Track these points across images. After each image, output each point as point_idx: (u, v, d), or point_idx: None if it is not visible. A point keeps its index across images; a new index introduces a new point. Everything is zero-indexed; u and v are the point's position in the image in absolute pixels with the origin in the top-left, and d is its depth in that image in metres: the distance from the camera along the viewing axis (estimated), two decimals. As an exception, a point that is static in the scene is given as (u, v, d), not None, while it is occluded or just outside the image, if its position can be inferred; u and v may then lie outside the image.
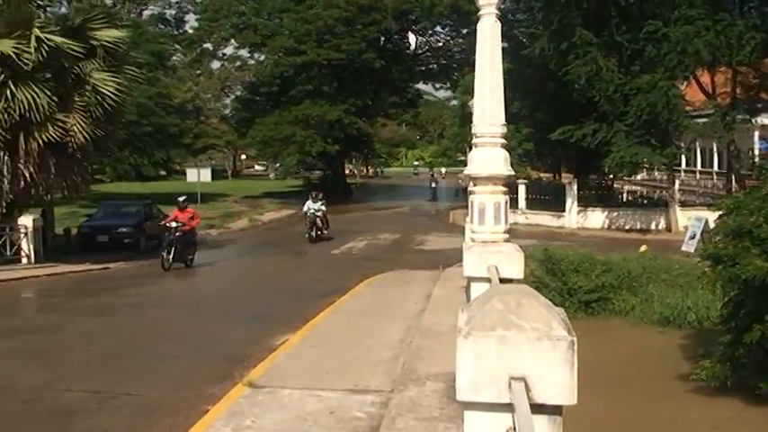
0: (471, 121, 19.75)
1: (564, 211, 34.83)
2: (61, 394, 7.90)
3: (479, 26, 6.25)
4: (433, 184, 61.51)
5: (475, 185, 6.49)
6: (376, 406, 6.98)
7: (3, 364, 9.36)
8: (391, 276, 18.38)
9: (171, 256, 21.01)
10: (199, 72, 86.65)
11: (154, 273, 21.03)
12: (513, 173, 6.42)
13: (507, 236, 6.29)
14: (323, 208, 29.68)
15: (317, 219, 29.35)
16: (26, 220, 22.35)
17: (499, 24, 6.24)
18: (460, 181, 61.41)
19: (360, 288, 15.86)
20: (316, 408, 6.96)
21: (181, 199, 22.53)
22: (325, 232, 29.77)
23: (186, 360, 9.53)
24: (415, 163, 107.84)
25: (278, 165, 76.38)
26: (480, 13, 6.31)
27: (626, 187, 42.20)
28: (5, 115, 20.60)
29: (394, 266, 20.30)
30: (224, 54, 77.71)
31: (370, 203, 54.38)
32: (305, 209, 29.82)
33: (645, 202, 37.49)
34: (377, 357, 9.01)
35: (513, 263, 5.95)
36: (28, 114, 20.51)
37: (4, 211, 21.74)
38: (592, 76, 29.78)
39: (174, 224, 21.49)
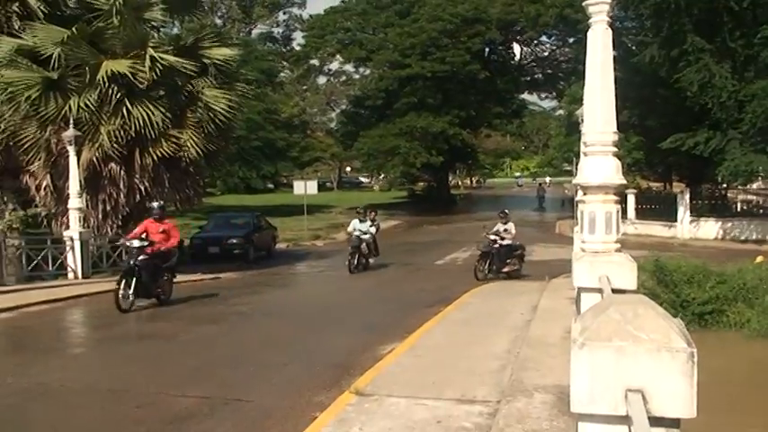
0: (578, 131, 19.27)
1: (675, 221, 33.93)
2: (174, 399, 8.09)
3: (590, 34, 6.14)
4: (542, 194, 61.70)
5: (585, 194, 6.36)
6: (483, 416, 6.90)
7: (119, 370, 9.66)
8: (496, 287, 18.22)
9: (131, 291, 14.52)
10: (305, 87, 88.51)
11: (263, 282, 21.49)
12: (624, 181, 6.25)
13: (619, 246, 6.13)
14: (372, 230, 24.16)
15: (363, 243, 23.54)
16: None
17: (610, 31, 6.12)
18: (566, 191, 60.77)
19: (465, 298, 15.78)
20: (422, 417, 6.92)
21: (155, 204, 16.40)
22: (371, 261, 24.08)
23: (295, 367, 9.65)
24: (517, 174, 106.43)
25: (382, 176, 77.05)
26: (591, 20, 6.19)
27: (740, 197, 40.70)
28: (122, 132, 21.43)
29: (498, 277, 20.12)
30: (330, 69, 79.41)
31: (474, 214, 54.04)
32: (350, 229, 24.33)
33: (761, 211, 36.04)
34: (483, 368, 8.92)
35: (625, 273, 5.80)
36: (143, 131, 21.28)
37: (121, 223, 22.54)
38: (704, 82, 28.90)
39: (136, 243, 14.89)
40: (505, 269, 20.61)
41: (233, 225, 30.31)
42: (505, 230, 20.84)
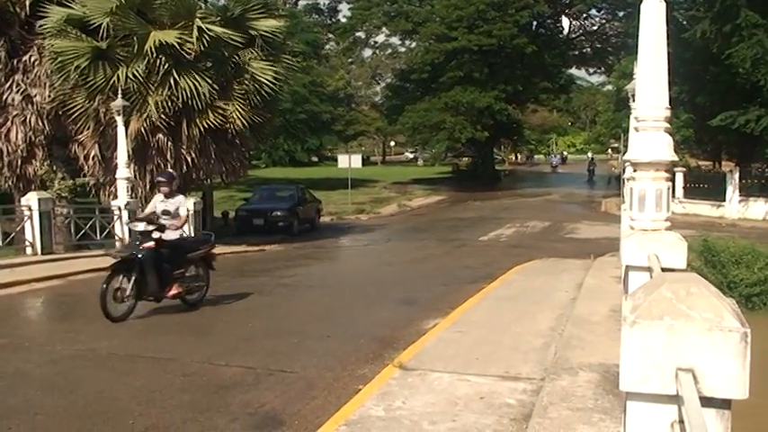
0: (627, 107, 18.93)
1: (724, 200, 33.46)
2: (219, 369, 8.20)
3: (643, 6, 6.03)
4: (592, 168, 62.07)
5: (635, 171, 6.28)
6: (527, 393, 6.90)
7: (164, 338, 9.82)
8: (541, 264, 18.12)
9: None
10: (351, 60, 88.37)
11: (307, 255, 21.65)
12: (676, 158, 6.14)
13: (669, 224, 6.04)
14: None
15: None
16: (188, 204, 23.29)
17: (664, 4, 6.01)
18: (613, 168, 60.22)
19: (509, 275, 15.73)
20: (466, 392, 6.94)
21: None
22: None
23: (338, 340, 9.72)
24: (563, 153, 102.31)
25: (421, 151, 76.77)
26: (644, -7, 6.09)
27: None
28: (169, 103, 21.59)
29: (543, 254, 20.01)
30: (375, 42, 78.94)
31: (519, 191, 53.84)
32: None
33: (812, 192, 35.37)
34: (527, 345, 8.91)
35: (675, 252, 5.73)
36: (190, 102, 21.42)
37: (167, 194, 22.78)
38: (757, 59, 28.32)
39: None
40: (172, 291, 11.52)
41: (278, 198, 30.54)
42: (166, 213, 11.68)
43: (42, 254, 17.79)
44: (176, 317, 11.44)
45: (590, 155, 78.02)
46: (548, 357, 8.15)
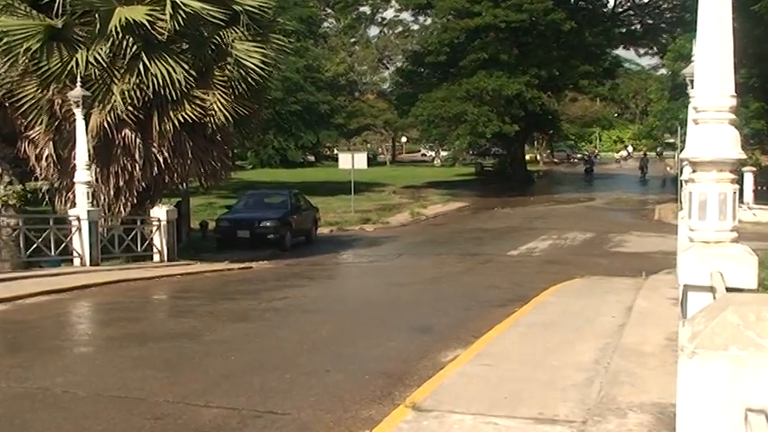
0: (684, 94, 18.84)
1: (804, 206, 33.34)
2: (198, 410, 8.17)
3: (702, -27, 6.02)
4: (644, 164, 62.62)
5: (694, 171, 6.24)
6: (566, 439, 6.88)
7: (132, 374, 9.78)
8: (582, 284, 18.08)
9: None
10: (354, 40, 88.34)
11: (301, 274, 21.63)
12: (744, 156, 6.10)
13: (735, 235, 6.00)
14: None
15: None
16: (159, 212, 23.31)
17: (728, -29, 5.99)
18: (669, 168, 60.24)
19: (543, 297, 15.67)
20: (492, 438, 6.92)
21: None
22: None
23: (339, 375, 9.69)
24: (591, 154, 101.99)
25: (438, 148, 76.54)
26: (703, -43, 6.06)
27: None
28: (137, 92, 21.57)
29: (585, 272, 19.97)
30: (383, 18, 78.96)
31: (556, 195, 53.85)
32: None
33: None
34: (566, 381, 8.87)
35: (743, 268, 5.68)
36: (162, 91, 21.41)
37: (135, 201, 22.76)
38: None
39: None
40: None
41: (267, 205, 30.57)
42: None
43: (-14, 273, 17.81)
44: (145, 348, 11.44)
45: (630, 149, 78.34)
46: (590, 395, 8.11)
